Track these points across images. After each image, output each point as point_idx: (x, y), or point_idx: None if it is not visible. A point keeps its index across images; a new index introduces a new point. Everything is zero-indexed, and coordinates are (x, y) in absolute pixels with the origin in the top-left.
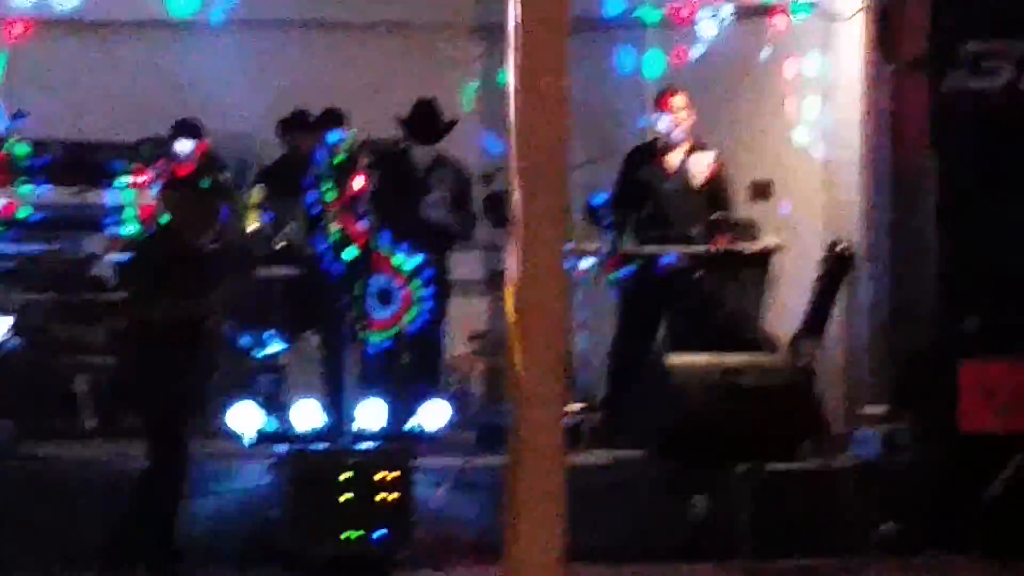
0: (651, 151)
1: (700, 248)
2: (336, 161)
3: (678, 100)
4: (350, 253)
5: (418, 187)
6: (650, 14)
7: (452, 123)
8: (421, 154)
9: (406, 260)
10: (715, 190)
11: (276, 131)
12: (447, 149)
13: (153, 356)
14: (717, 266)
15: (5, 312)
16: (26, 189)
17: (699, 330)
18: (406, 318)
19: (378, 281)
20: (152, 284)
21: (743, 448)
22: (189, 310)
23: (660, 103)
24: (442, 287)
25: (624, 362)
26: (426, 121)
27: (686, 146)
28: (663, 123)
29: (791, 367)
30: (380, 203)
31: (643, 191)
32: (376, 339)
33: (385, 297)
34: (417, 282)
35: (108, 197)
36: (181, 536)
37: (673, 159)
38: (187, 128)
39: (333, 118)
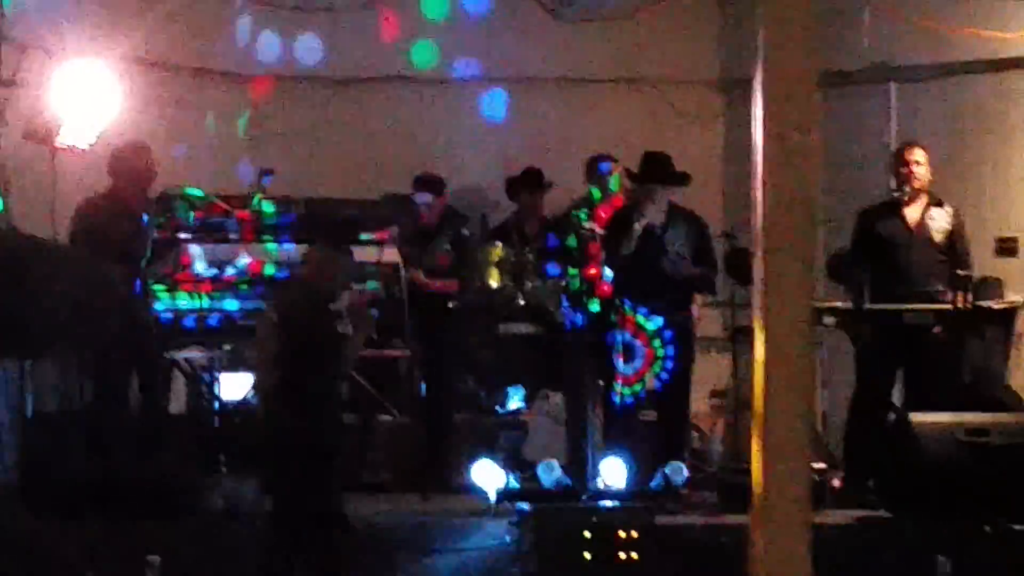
0: (889, 206)
1: (944, 305)
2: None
3: (917, 155)
4: (594, 305)
5: (654, 242)
6: (891, 69)
7: (684, 176)
8: (655, 210)
9: (647, 320)
10: (954, 246)
11: (506, 188)
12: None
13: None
14: (962, 323)
15: (249, 369)
16: (272, 247)
17: (943, 388)
18: (649, 375)
19: (622, 336)
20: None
21: (988, 508)
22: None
23: (899, 158)
24: (686, 343)
25: (863, 420)
26: (653, 173)
27: (924, 201)
28: (900, 178)
29: None
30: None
31: (882, 246)
32: (622, 392)
33: (629, 353)
34: (658, 342)
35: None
36: None
37: (911, 214)
38: (427, 183)
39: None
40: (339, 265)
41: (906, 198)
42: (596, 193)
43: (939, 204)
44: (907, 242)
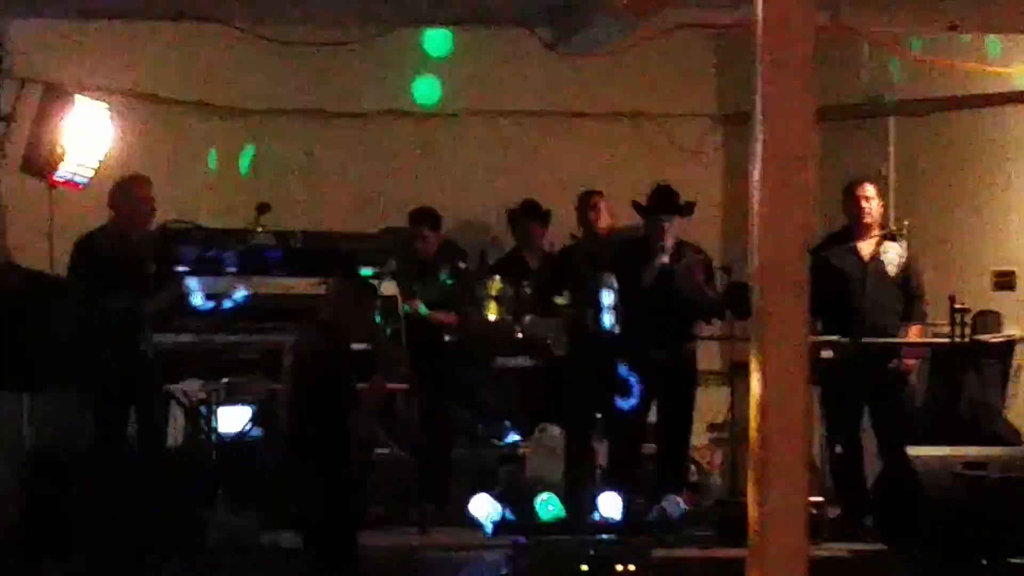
0: (843, 240)
1: (898, 339)
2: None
3: (867, 190)
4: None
5: (665, 275)
6: (889, 103)
7: (691, 206)
8: (671, 243)
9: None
10: (909, 280)
11: (506, 220)
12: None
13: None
14: (958, 357)
15: (247, 402)
16: (269, 280)
17: (939, 422)
18: (644, 408)
19: (619, 371)
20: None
21: (986, 541)
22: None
23: (849, 194)
24: (689, 377)
25: (838, 453)
26: (664, 205)
27: (877, 236)
28: (852, 215)
29: None
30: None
31: (836, 281)
32: (619, 427)
33: (626, 389)
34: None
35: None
36: None
37: (865, 249)
38: (425, 217)
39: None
40: (365, 305)
41: (858, 232)
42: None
43: (892, 238)
44: (861, 275)
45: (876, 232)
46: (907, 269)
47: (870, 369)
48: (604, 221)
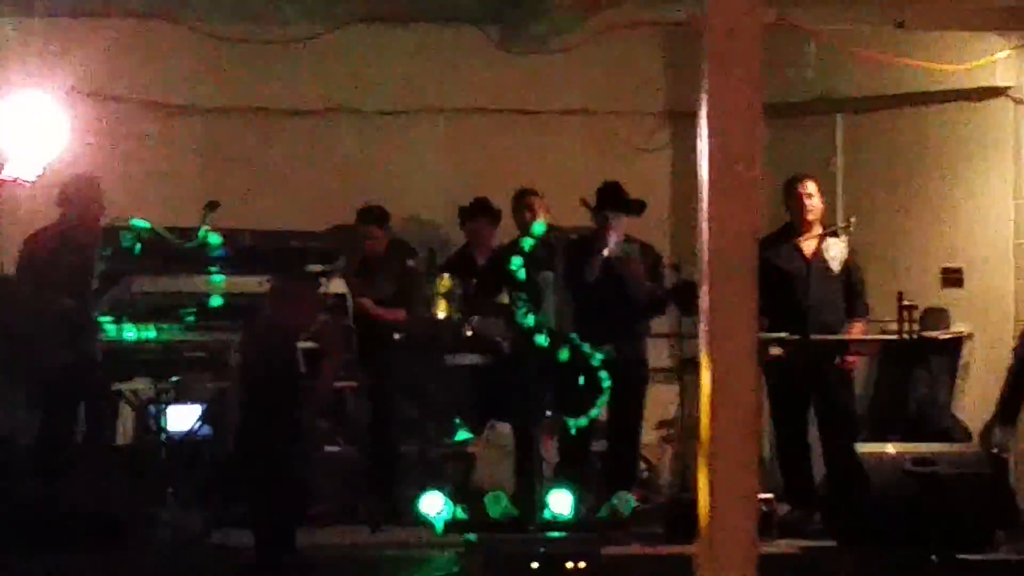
0: (785, 237)
1: (845, 336)
2: (527, 248)
3: (809, 187)
4: (542, 340)
5: (611, 270)
6: (836, 100)
7: (640, 204)
8: (615, 239)
9: (593, 352)
10: (851, 276)
11: (458, 218)
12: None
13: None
14: (907, 354)
15: (196, 401)
16: (218, 279)
17: (888, 418)
18: (596, 406)
19: (571, 368)
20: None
21: (935, 537)
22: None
23: (790, 191)
24: (638, 374)
25: (785, 450)
26: (613, 202)
27: (818, 232)
28: (793, 211)
29: (983, 456)
30: (569, 287)
31: (778, 277)
32: (570, 424)
33: (576, 385)
34: (604, 373)
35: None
36: None
37: (808, 246)
38: (373, 216)
39: (488, 209)
40: (307, 297)
41: (799, 228)
42: (527, 243)
43: (834, 234)
44: (804, 273)
45: (818, 229)
46: (849, 265)
47: (815, 366)
48: (540, 220)
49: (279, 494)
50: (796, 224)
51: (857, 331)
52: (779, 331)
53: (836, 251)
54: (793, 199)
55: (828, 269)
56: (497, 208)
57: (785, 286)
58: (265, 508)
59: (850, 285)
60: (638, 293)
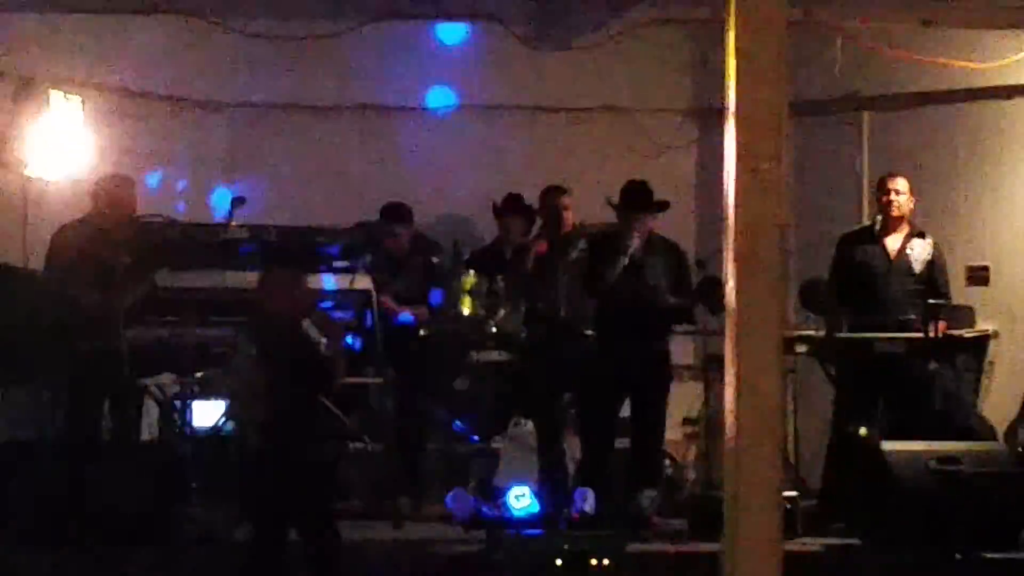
0: (869, 235)
1: (915, 334)
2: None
3: (898, 184)
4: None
5: (635, 271)
6: (863, 98)
7: (664, 204)
8: (639, 239)
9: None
10: (934, 278)
11: (492, 213)
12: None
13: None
14: (934, 352)
15: (221, 396)
16: (244, 274)
17: (915, 417)
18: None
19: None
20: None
21: (959, 536)
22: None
23: (880, 187)
24: (662, 372)
25: (842, 449)
26: (636, 201)
27: (905, 231)
28: (882, 207)
29: (1008, 455)
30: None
31: (860, 274)
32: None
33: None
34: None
35: (323, 282)
36: None
37: (892, 244)
38: (396, 212)
39: (522, 206)
40: (294, 286)
41: (886, 227)
42: None
43: (921, 235)
44: (885, 271)
45: (906, 228)
46: (933, 268)
47: (884, 364)
48: (568, 219)
49: (317, 480)
50: (883, 220)
51: (940, 330)
52: (860, 324)
53: (920, 251)
54: (882, 195)
55: (910, 268)
56: (528, 205)
57: (866, 283)
58: (307, 500)
59: (933, 287)
60: (662, 300)
